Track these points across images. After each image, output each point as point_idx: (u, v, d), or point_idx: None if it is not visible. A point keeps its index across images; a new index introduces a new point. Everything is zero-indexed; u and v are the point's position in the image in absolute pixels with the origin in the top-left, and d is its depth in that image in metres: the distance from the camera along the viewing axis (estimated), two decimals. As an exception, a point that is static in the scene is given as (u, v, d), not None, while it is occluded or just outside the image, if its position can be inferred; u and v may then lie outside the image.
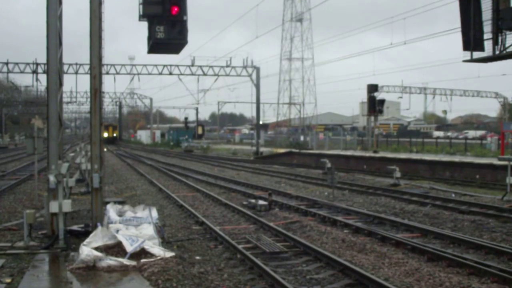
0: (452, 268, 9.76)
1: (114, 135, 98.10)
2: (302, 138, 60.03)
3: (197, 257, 10.50)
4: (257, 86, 51.60)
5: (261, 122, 60.17)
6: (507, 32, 12.60)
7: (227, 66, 51.01)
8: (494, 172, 26.67)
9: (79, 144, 53.35)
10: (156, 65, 50.84)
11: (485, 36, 13.14)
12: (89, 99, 12.29)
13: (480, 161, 29.90)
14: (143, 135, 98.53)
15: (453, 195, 20.34)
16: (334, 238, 12.26)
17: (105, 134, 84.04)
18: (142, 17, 11.47)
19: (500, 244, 11.46)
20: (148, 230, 10.87)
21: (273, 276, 8.84)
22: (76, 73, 48.81)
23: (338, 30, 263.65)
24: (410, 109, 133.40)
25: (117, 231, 10.50)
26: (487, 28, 13.02)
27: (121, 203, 15.47)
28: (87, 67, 44.99)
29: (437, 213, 15.90)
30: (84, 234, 11.32)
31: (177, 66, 50.92)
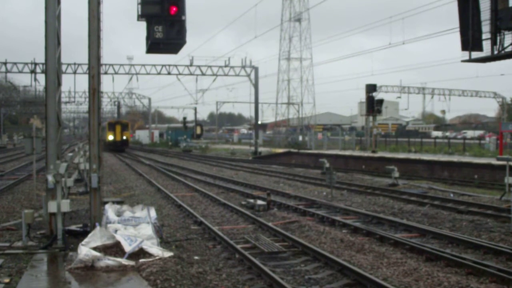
0: (451, 268, 9.78)
1: (124, 137, 63.95)
2: (300, 138, 60.04)
3: (196, 257, 10.50)
4: (256, 86, 51.58)
5: (259, 122, 60.13)
6: (506, 32, 12.60)
7: (226, 66, 50.96)
8: (493, 172, 26.71)
9: (78, 144, 53.33)
10: (154, 65, 50.74)
11: (484, 36, 13.14)
12: (87, 99, 12.29)
13: (479, 161, 29.94)
14: (142, 135, 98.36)
15: (452, 195, 20.35)
16: (332, 238, 12.26)
17: (111, 137, 62.77)
18: (140, 17, 11.46)
19: (498, 244, 11.47)
20: (147, 230, 10.87)
21: (271, 276, 8.84)
22: (75, 73, 48.72)
23: (332, 32, 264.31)
24: (409, 109, 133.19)
25: (116, 231, 10.50)
26: (486, 28, 13.01)
27: (120, 203, 15.47)
28: (85, 67, 44.97)
29: (435, 213, 15.91)
30: (82, 234, 11.31)
31: (176, 66, 50.86)
